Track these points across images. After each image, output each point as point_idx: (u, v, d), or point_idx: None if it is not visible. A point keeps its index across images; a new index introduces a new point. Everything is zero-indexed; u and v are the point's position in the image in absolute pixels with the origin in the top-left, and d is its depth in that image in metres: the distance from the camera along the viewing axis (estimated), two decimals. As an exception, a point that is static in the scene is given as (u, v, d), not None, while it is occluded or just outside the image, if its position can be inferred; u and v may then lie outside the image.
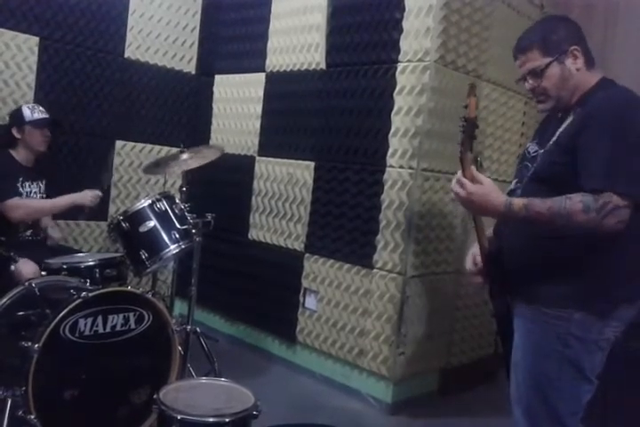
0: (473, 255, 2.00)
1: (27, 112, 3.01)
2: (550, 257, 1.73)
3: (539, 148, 1.84)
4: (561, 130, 1.76)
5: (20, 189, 2.99)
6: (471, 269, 2.00)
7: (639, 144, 1.62)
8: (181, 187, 2.95)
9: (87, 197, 2.97)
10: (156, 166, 2.97)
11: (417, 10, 2.96)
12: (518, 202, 1.67)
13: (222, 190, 3.99)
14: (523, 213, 1.65)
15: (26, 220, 2.97)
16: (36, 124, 3.00)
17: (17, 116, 3.02)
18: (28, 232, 3.03)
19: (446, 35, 2.96)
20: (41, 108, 3.11)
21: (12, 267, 2.66)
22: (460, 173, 1.75)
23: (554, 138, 1.77)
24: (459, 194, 1.73)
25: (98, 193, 3.02)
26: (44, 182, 3.13)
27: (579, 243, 1.68)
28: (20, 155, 3.04)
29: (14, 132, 3.01)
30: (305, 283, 3.47)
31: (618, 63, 3.25)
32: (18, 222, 2.94)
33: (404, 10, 3.02)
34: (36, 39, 3.46)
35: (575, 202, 1.58)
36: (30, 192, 3.04)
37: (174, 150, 3.71)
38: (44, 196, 3.12)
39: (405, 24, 3.01)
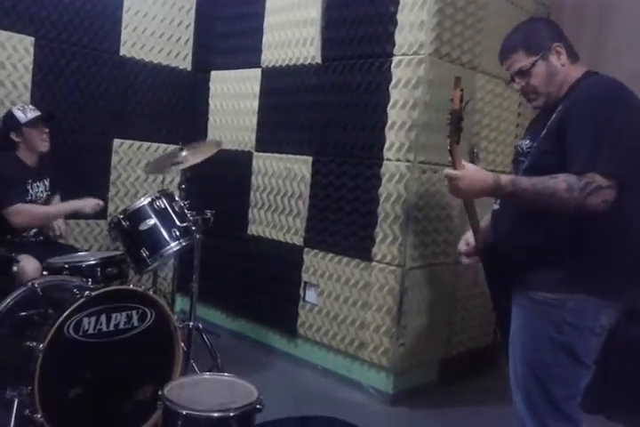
0: (466, 238, 2.04)
1: (19, 114, 2.99)
2: (545, 244, 1.76)
3: (531, 142, 1.87)
4: (550, 121, 1.79)
5: (30, 190, 3.03)
6: (463, 249, 2.04)
7: (623, 126, 1.66)
8: (180, 184, 2.96)
9: (89, 204, 3.03)
10: (157, 166, 2.98)
11: (411, 3, 2.96)
12: (506, 178, 1.72)
13: (221, 187, 4.00)
14: (509, 189, 1.69)
15: (28, 225, 2.99)
16: (33, 123, 3.00)
17: (11, 120, 3.00)
18: (32, 232, 3.05)
19: (441, 27, 2.97)
20: (30, 106, 3.11)
21: (15, 268, 2.68)
22: (446, 170, 1.78)
23: (544, 131, 1.79)
24: (452, 186, 1.76)
25: (99, 202, 3.07)
26: (48, 180, 3.16)
27: (573, 229, 1.70)
28: (24, 156, 3.05)
29: (13, 136, 3.00)
30: (305, 277, 3.49)
31: (611, 59, 3.24)
32: (21, 228, 2.96)
33: (398, 3, 3.02)
34: (31, 39, 3.45)
35: (559, 181, 1.62)
36: (38, 191, 3.07)
37: (172, 147, 3.72)
38: (49, 193, 3.15)
39: (400, 17, 3.02)
